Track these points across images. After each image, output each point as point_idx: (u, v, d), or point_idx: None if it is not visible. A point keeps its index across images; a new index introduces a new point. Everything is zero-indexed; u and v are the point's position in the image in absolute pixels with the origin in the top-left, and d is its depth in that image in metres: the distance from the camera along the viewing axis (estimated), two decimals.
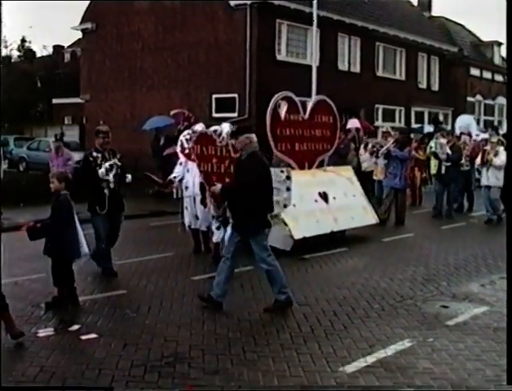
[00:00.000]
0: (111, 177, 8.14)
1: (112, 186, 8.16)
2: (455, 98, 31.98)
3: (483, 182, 13.53)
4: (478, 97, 34.66)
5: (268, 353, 5.53)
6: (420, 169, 16.62)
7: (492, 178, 13.23)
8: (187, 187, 9.60)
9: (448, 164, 14.15)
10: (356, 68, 26.13)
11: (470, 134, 18.31)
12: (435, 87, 31.71)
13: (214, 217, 9.10)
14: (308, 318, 6.54)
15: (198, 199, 9.37)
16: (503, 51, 37.27)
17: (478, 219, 13.87)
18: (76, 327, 6.18)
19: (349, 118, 18.94)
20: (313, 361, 5.37)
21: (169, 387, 4.88)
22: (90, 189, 8.19)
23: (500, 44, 36.47)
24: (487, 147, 13.74)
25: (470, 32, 37.80)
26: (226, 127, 9.19)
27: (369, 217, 11.73)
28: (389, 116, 28.05)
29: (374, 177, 14.50)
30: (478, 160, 13.81)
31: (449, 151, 14.14)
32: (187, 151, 9.34)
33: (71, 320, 6.39)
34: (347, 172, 12.18)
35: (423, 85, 30.70)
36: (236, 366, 5.23)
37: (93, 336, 5.93)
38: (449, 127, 26.72)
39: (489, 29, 66.42)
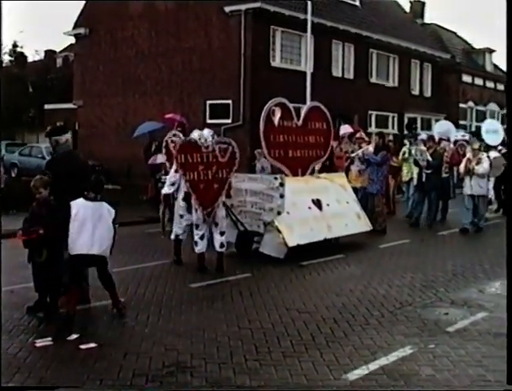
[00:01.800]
0: None
1: None
2: (447, 105, 32.15)
3: (466, 191, 13.05)
4: (470, 103, 34.88)
5: (270, 362, 5.49)
6: (394, 176, 15.96)
7: (475, 187, 12.86)
8: None
9: (429, 171, 13.68)
10: (350, 75, 26.20)
11: (449, 140, 17.75)
12: (428, 93, 31.87)
13: (197, 226, 9.08)
14: (308, 326, 6.50)
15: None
16: (494, 58, 37.56)
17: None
18: (74, 336, 6.09)
19: (342, 124, 18.96)
20: (315, 369, 5.33)
21: None
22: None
23: (491, 51, 36.71)
24: (469, 155, 13.30)
25: (461, 39, 38.05)
26: (205, 133, 9.18)
27: (363, 224, 11.67)
28: (382, 123, 28.13)
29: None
30: (461, 169, 13.30)
31: (430, 158, 13.67)
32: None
33: (69, 329, 6.27)
34: (340, 178, 12.10)
35: (416, 92, 30.84)
36: (238, 375, 5.19)
37: (92, 345, 5.84)
38: None
39: (481, 37, 66.88)
